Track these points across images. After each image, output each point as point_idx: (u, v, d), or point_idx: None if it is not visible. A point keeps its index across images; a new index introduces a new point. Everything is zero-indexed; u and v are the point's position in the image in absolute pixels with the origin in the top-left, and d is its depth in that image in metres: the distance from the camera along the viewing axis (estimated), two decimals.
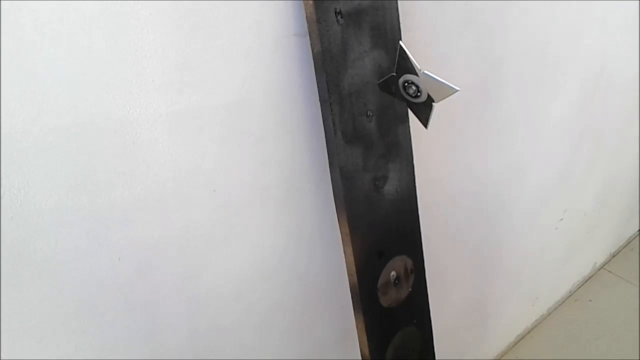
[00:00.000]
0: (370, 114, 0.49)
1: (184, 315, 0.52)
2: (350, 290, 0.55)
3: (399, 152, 0.54)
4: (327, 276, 0.63)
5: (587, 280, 1.51)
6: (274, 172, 0.51)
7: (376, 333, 0.56)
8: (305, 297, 0.62)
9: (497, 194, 0.91)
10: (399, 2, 0.49)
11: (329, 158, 0.50)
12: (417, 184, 0.57)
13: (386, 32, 0.48)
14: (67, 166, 0.38)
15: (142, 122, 0.40)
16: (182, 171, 0.45)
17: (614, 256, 1.60)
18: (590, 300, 1.45)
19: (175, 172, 0.44)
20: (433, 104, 0.47)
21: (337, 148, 0.48)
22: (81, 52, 0.35)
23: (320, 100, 0.47)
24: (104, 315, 0.45)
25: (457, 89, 0.43)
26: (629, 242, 1.65)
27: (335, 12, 0.44)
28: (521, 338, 1.32)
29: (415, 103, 0.47)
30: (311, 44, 0.45)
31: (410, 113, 0.54)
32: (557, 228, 1.19)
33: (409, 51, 0.44)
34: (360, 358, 0.59)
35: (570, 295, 1.46)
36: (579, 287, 1.49)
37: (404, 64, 0.45)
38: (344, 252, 0.53)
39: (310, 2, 0.42)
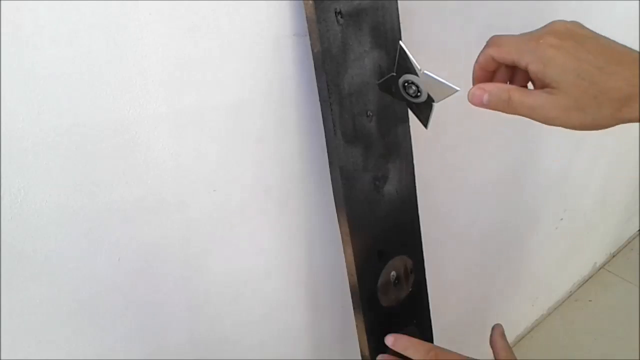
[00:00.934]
0: (370, 114, 0.49)
1: (184, 315, 0.52)
2: (350, 290, 0.55)
3: (399, 152, 0.54)
4: (327, 276, 0.63)
5: (587, 280, 1.51)
6: (274, 172, 0.51)
7: (376, 333, 0.56)
8: (305, 297, 0.62)
9: (497, 193, 0.91)
10: (399, 2, 0.49)
11: (328, 158, 0.50)
12: (417, 184, 0.57)
13: (386, 32, 0.48)
14: (67, 166, 0.38)
15: (142, 122, 0.40)
16: (182, 171, 0.45)
17: (614, 256, 1.60)
18: (590, 300, 1.45)
19: (175, 172, 0.44)
20: (433, 104, 0.46)
21: (337, 148, 0.48)
22: (81, 52, 0.35)
23: (320, 100, 0.47)
24: (104, 315, 0.45)
25: (457, 89, 0.43)
26: (629, 242, 1.65)
27: (336, 12, 0.44)
28: (521, 338, 1.33)
29: (415, 103, 0.47)
30: (311, 44, 0.45)
31: (410, 113, 0.54)
32: (557, 228, 1.19)
33: (409, 51, 0.44)
34: (360, 358, 0.59)
35: (570, 295, 1.46)
36: (579, 287, 1.49)
37: (404, 64, 0.45)
38: (344, 252, 0.53)
39: (310, 2, 0.42)
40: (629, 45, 0.38)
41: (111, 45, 0.37)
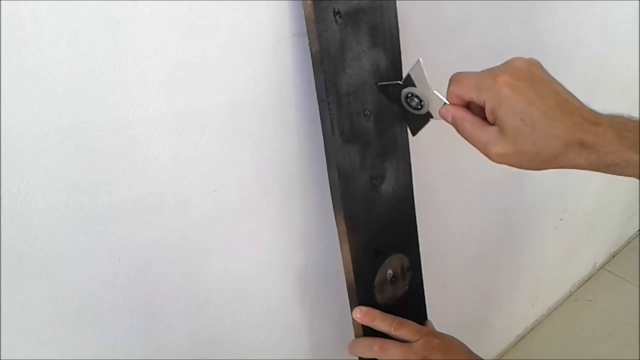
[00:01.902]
0: (368, 113, 0.50)
1: (184, 315, 0.52)
2: (347, 288, 0.56)
3: (396, 151, 0.54)
4: (326, 276, 0.63)
5: (587, 280, 1.51)
6: (273, 171, 0.52)
7: (373, 331, 0.56)
8: (305, 296, 0.62)
9: (496, 193, 0.91)
10: (397, 2, 0.49)
11: (326, 157, 0.50)
12: (414, 183, 0.57)
13: (384, 32, 0.49)
14: (67, 166, 0.38)
15: (142, 122, 0.41)
16: (182, 171, 0.45)
17: (614, 256, 1.60)
18: (590, 300, 1.45)
19: (175, 172, 0.44)
20: (431, 119, 0.47)
21: (334, 147, 0.48)
22: (81, 52, 0.36)
23: (318, 100, 0.48)
24: (104, 315, 0.45)
25: None
26: (629, 242, 1.65)
27: (334, 12, 0.44)
28: (521, 338, 1.32)
29: (412, 113, 0.48)
30: (310, 44, 0.45)
31: None
32: (557, 228, 1.19)
33: (425, 69, 0.45)
34: (358, 357, 0.59)
35: (570, 295, 1.46)
36: (579, 287, 1.48)
37: (416, 79, 0.46)
38: (341, 251, 0.54)
39: (309, 1, 0.42)
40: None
41: (111, 45, 0.37)
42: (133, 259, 0.45)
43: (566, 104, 0.39)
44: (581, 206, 1.25)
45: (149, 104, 0.40)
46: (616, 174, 0.40)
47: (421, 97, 0.46)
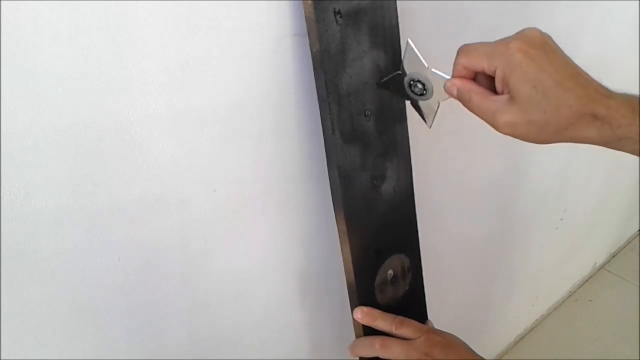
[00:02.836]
0: (369, 113, 0.50)
1: (184, 315, 0.52)
2: (347, 288, 0.56)
3: (397, 151, 0.54)
4: (326, 276, 0.63)
5: (587, 280, 1.51)
6: (273, 171, 0.52)
7: (373, 331, 0.56)
8: (305, 296, 0.62)
9: (496, 193, 0.91)
10: (398, 1, 0.49)
11: (327, 157, 0.50)
12: (415, 183, 0.57)
13: (385, 32, 0.48)
14: (67, 166, 0.38)
15: (142, 122, 0.41)
16: (182, 171, 0.45)
17: (614, 256, 1.60)
18: (590, 300, 1.45)
19: (175, 172, 0.44)
20: (439, 102, 0.46)
21: (335, 147, 0.48)
22: (81, 52, 0.36)
23: (318, 100, 0.47)
24: (104, 315, 0.45)
25: None
26: (629, 242, 1.65)
27: (334, 12, 0.44)
28: (521, 338, 1.32)
29: (420, 102, 0.47)
30: (310, 44, 0.45)
31: (408, 112, 0.54)
32: (557, 228, 1.19)
33: (417, 49, 0.44)
34: (359, 358, 0.59)
35: (570, 295, 1.46)
36: (579, 287, 1.49)
37: (412, 62, 0.45)
38: (342, 251, 0.54)
39: (310, 1, 0.42)
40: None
41: (111, 45, 0.37)
42: (133, 259, 0.45)
43: (579, 76, 0.38)
44: (581, 206, 1.25)
45: (149, 104, 0.40)
46: (626, 151, 0.38)
47: (422, 80, 0.45)
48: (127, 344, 0.48)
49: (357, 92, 0.48)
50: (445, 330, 0.56)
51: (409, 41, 0.44)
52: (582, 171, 1.16)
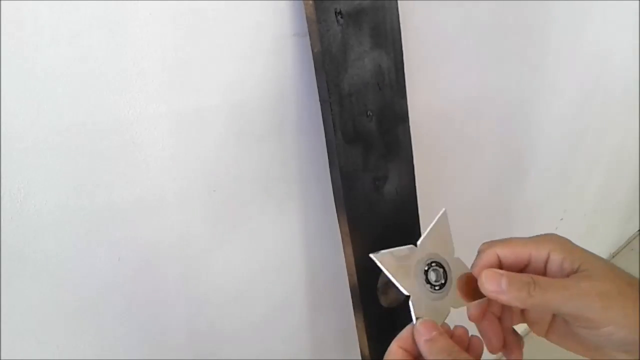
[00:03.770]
0: (370, 113, 0.50)
1: (184, 315, 0.52)
2: (350, 290, 0.55)
3: (399, 152, 0.54)
4: (327, 276, 0.63)
5: None
6: (274, 171, 0.51)
7: (376, 333, 0.56)
8: (305, 297, 0.62)
9: (497, 194, 0.91)
10: (399, 2, 0.49)
11: (328, 158, 0.50)
12: (417, 184, 0.57)
13: (386, 32, 0.48)
14: (67, 166, 0.38)
15: (142, 122, 0.40)
16: (182, 171, 0.45)
17: (614, 256, 1.60)
18: None
19: (175, 172, 0.44)
20: (453, 308, 0.34)
21: (337, 148, 0.48)
22: (81, 52, 0.35)
23: (320, 100, 0.47)
24: (104, 315, 0.45)
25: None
26: (629, 242, 1.65)
27: (336, 12, 0.44)
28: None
29: (422, 296, 0.33)
30: (311, 44, 0.45)
31: (410, 113, 0.53)
32: (557, 228, 1.19)
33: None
34: (360, 358, 0.59)
35: None
36: None
37: (436, 240, 0.35)
38: (344, 252, 0.53)
39: (310, 2, 0.42)
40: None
41: (111, 45, 0.37)
42: (133, 259, 0.45)
43: None
44: (581, 206, 1.25)
45: (149, 104, 0.40)
46: None
47: (445, 266, 0.34)
48: (127, 344, 0.48)
49: (358, 92, 0.48)
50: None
51: (444, 213, 0.34)
52: (582, 171, 1.16)
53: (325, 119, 0.48)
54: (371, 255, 0.34)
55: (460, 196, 0.81)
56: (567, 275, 0.31)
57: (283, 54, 0.46)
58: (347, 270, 0.54)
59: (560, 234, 0.35)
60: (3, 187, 0.36)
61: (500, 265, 0.33)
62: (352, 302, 0.56)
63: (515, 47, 0.74)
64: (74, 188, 0.39)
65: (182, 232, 0.47)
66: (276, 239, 0.55)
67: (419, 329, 0.32)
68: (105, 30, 0.36)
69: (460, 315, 0.38)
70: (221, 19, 0.41)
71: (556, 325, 0.34)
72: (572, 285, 0.30)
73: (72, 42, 0.35)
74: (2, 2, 0.31)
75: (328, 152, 0.50)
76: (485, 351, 0.36)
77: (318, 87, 0.47)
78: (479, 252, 0.35)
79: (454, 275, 0.35)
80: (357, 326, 0.56)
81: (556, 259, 0.32)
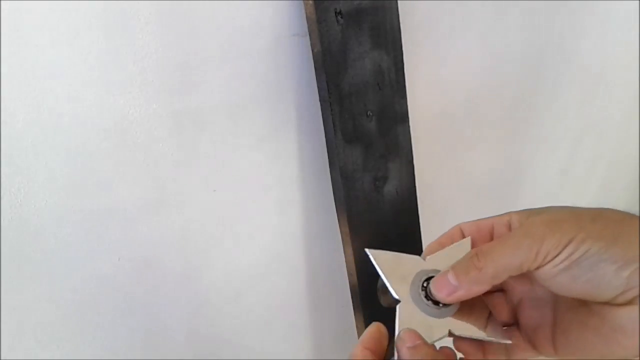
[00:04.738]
0: (370, 114, 0.49)
1: (184, 315, 0.52)
2: (350, 290, 0.55)
3: (399, 152, 0.54)
4: (327, 276, 0.63)
5: None
6: (274, 171, 0.51)
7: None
8: (305, 297, 0.62)
9: (497, 193, 0.91)
10: (399, 2, 0.49)
11: (328, 158, 0.50)
12: (417, 184, 0.57)
13: (386, 32, 0.48)
14: (67, 166, 0.38)
15: (142, 122, 0.40)
16: (182, 171, 0.45)
17: None
18: None
19: (175, 172, 0.44)
20: (450, 331, 0.30)
21: (337, 148, 0.48)
22: (81, 52, 0.35)
23: (320, 100, 0.47)
24: (104, 315, 0.45)
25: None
26: None
27: (336, 12, 0.44)
28: None
29: (417, 309, 0.31)
30: (311, 44, 0.45)
31: (410, 113, 0.53)
32: None
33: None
34: None
35: None
36: None
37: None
38: (344, 252, 0.53)
39: (310, 2, 0.42)
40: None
41: (111, 45, 0.37)
42: (133, 259, 0.45)
43: None
44: (581, 206, 1.25)
45: (149, 104, 0.40)
46: None
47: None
48: (127, 344, 0.48)
49: (358, 92, 0.48)
50: None
51: (468, 240, 0.31)
52: (582, 171, 1.16)
53: (325, 119, 0.48)
54: (367, 250, 0.32)
55: (461, 196, 0.81)
56: None
57: (283, 54, 0.46)
58: (347, 270, 0.54)
59: None
60: (3, 187, 0.36)
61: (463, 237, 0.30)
62: (352, 302, 0.56)
63: (515, 47, 0.74)
64: (74, 188, 0.39)
65: (182, 232, 0.47)
66: (276, 239, 0.55)
67: (402, 337, 0.29)
68: (105, 30, 0.36)
69: None
70: (221, 19, 0.41)
71: (561, 324, 0.29)
72: (517, 230, 0.27)
73: (72, 42, 0.35)
74: (2, 2, 0.31)
75: (328, 152, 0.50)
76: None
77: (318, 87, 0.47)
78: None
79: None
80: (357, 326, 0.56)
81: (517, 217, 0.29)
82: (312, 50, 0.45)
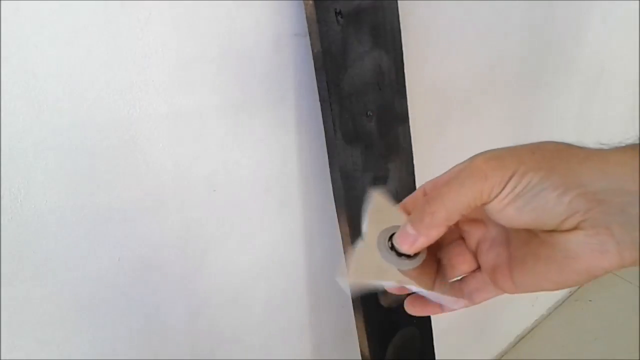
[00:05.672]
0: (370, 114, 0.49)
1: (184, 315, 0.52)
2: (351, 290, 0.55)
3: (399, 152, 0.54)
4: (327, 276, 0.63)
5: None
6: (274, 171, 0.51)
7: (376, 333, 0.56)
8: (305, 297, 0.62)
9: None
10: (399, 2, 0.49)
11: (329, 158, 0.50)
12: (417, 184, 0.57)
13: (386, 32, 0.48)
14: (67, 166, 0.38)
15: (142, 122, 0.40)
16: (182, 171, 0.45)
17: None
18: (590, 300, 1.45)
19: (175, 172, 0.44)
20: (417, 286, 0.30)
21: (337, 148, 0.48)
22: (81, 52, 0.35)
23: (320, 100, 0.47)
24: (104, 315, 0.45)
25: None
26: None
27: (335, 12, 0.44)
28: (521, 338, 1.32)
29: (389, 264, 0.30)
30: (311, 44, 0.45)
31: (410, 113, 0.54)
32: None
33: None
34: (360, 358, 0.59)
35: (570, 295, 1.46)
36: (579, 287, 1.48)
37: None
38: (344, 252, 0.53)
39: (310, 2, 0.42)
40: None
41: (111, 45, 0.37)
42: (133, 259, 0.45)
43: None
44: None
45: (149, 104, 0.40)
46: None
47: None
48: (127, 344, 0.48)
49: (358, 92, 0.48)
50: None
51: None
52: None
53: (326, 118, 0.48)
54: (371, 190, 0.32)
55: None
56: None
57: (283, 53, 0.46)
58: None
59: None
60: (3, 187, 0.36)
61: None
62: (352, 302, 0.56)
63: (516, 47, 0.74)
64: (74, 188, 0.39)
65: (182, 232, 0.47)
66: (276, 239, 0.55)
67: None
68: (106, 30, 0.36)
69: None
70: (221, 19, 0.41)
71: (516, 260, 0.30)
72: (462, 171, 0.28)
73: (72, 42, 0.35)
74: (2, 2, 0.31)
75: (328, 152, 0.50)
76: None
77: (318, 87, 0.47)
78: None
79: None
80: (357, 326, 0.56)
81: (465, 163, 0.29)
82: (312, 50, 0.45)
